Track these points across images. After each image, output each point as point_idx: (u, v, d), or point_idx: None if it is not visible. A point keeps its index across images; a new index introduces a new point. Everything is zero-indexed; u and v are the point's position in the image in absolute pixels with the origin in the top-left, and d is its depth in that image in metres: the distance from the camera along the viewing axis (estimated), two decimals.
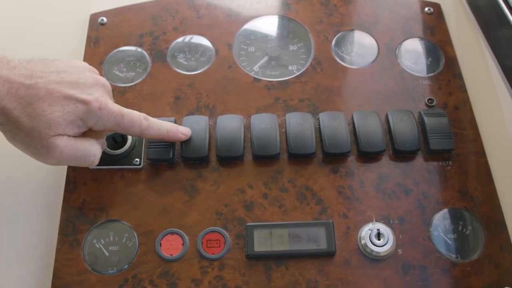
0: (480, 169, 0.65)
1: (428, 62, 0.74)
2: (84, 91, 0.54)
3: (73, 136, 0.54)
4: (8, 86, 0.49)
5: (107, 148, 0.64)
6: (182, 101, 0.69)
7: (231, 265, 0.58)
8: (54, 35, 0.76)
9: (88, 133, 0.57)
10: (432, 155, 0.65)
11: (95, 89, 0.55)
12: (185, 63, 0.73)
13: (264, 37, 0.76)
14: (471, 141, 0.67)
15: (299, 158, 0.65)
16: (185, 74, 0.72)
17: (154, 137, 0.62)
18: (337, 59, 0.74)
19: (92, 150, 0.57)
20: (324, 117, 0.66)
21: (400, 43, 0.75)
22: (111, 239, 0.60)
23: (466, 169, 0.65)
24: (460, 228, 0.61)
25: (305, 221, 0.61)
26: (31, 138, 0.51)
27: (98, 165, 0.63)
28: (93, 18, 0.77)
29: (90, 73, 0.57)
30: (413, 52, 0.75)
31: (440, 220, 0.61)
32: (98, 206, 0.62)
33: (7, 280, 0.60)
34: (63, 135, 0.53)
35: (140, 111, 0.66)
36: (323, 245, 0.59)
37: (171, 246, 0.59)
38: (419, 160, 0.65)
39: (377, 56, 0.74)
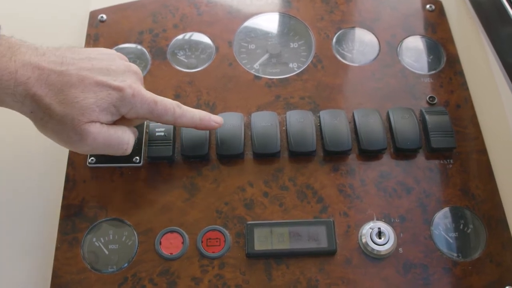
0: (482, 167, 0.65)
1: (430, 60, 0.74)
2: (116, 78, 0.53)
3: (106, 124, 0.54)
4: (38, 72, 0.49)
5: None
6: (182, 98, 0.69)
7: (231, 263, 0.58)
8: (53, 32, 0.75)
9: (120, 121, 0.56)
10: (434, 153, 0.65)
11: (128, 76, 0.55)
12: (185, 60, 0.73)
13: (265, 35, 0.76)
14: (472, 139, 0.66)
15: (299, 156, 0.64)
16: (185, 72, 0.71)
17: (187, 125, 0.61)
18: (338, 56, 0.73)
19: (125, 138, 0.56)
20: (324, 115, 0.66)
21: (402, 41, 0.75)
22: (111, 237, 0.60)
23: (467, 167, 0.64)
24: (461, 226, 0.61)
25: (305, 219, 0.60)
26: (63, 125, 0.51)
27: (97, 162, 0.63)
28: (93, 15, 0.76)
29: (120, 60, 0.57)
30: (414, 50, 0.74)
31: (441, 219, 0.61)
32: (98, 204, 0.61)
33: (6, 278, 0.60)
34: (96, 122, 0.52)
35: None
36: (323, 244, 0.58)
37: (171, 244, 0.59)
38: (420, 159, 0.65)
39: (378, 54, 0.73)
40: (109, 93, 0.52)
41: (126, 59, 0.59)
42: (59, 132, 0.52)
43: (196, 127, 0.61)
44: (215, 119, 0.62)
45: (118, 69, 0.54)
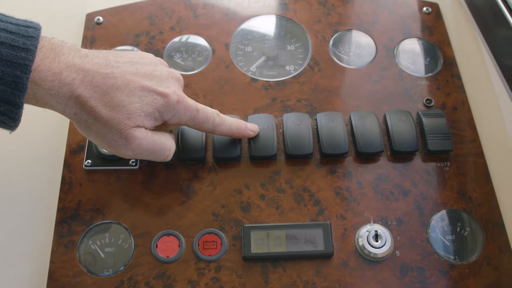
0: (479, 170, 0.65)
1: (427, 62, 0.74)
2: (161, 83, 0.54)
3: (149, 129, 0.54)
4: (83, 74, 0.49)
5: (103, 149, 0.63)
6: None
7: (228, 266, 0.58)
8: (49, 34, 0.75)
9: (160, 127, 0.56)
10: (431, 156, 0.65)
11: (171, 82, 0.55)
12: (182, 63, 0.73)
13: (262, 37, 0.76)
14: (469, 142, 0.66)
15: (296, 159, 0.64)
16: (181, 74, 0.71)
17: (224, 134, 0.61)
18: (335, 59, 0.73)
19: (167, 144, 0.56)
20: (321, 117, 0.66)
21: (398, 43, 0.75)
22: (107, 240, 0.60)
23: (464, 170, 0.64)
24: (458, 229, 0.61)
25: (302, 222, 0.60)
26: (109, 128, 0.51)
27: (93, 165, 0.63)
28: (89, 17, 0.76)
29: (162, 66, 0.57)
30: (411, 52, 0.74)
31: (438, 222, 0.61)
32: (94, 207, 0.61)
33: (2, 281, 0.59)
34: (141, 127, 0.52)
35: None
36: (320, 247, 0.58)
37: (167, 247, 0.59)
38: (417, 161, 0.65)
39: (375, 56, 0.73)
40: (154, 99, 0.52)
41: (167, 64, 0.59)
42: (103, 135, 0.52)
43: (233, 136, 0.62)
44: (251, 127, 0.63)
45: (161, 74, 0.55)
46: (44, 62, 0.46)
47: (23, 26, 0.47)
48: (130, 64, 0.53)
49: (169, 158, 0.58)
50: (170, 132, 0.61)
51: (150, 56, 0.58)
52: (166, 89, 0.53)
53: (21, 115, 0.47)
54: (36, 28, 0.48)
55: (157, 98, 0.52)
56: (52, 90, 0.47)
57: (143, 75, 0.53)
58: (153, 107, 0.52)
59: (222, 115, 0.60)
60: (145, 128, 0.53)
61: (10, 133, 0.50)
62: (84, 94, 0.49)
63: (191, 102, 0.56)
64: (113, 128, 0.51)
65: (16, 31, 0.46)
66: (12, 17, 0.48)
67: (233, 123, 0.61)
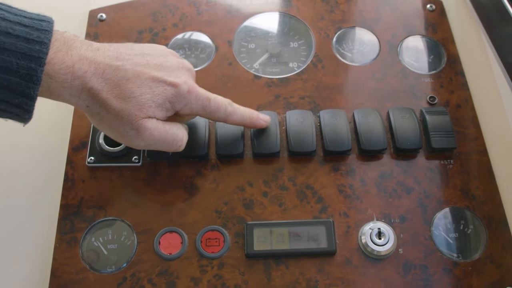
0: (482, 168, 0.64)
1: (430, 60, 0.73)
2: (171, 74, 0.54)
3: (161, 120, 0.54)
4: (94, 66, 0.49)
5: (105, 146, 0.63)
6: None
7: (230, 264, 0.58)
8: None
9: (173, 118, 0.57)
10: (434, 153, 0.65)
11: (182, 72, 0.56)
12: (185, 60, 0.73)
13: (265, 34, 0.76)
14: (473, 139, 0.66)
15: (299, 156, 0.64)
16: None
17: (237, 123, 0.61)
18: (338, 56, 0.73)
19: (179, 134, 0.57)
20: (324, 115, 0.66)
21: (402, 41, 0.75)
22: (110, 237, 0.60)
23: (468, 168, 0.64)
24: (461, 227, 0.61)
25: (305, 219, 0.60)
26: (120, 120, 0.51)
27: (96, 162, 0.63)
28: (92, 14, 0.76)
29: (173, 57, 0.57)
30: (415, 50, 0.74)
31: (442, 219, 0.61)
32: (97, 204, 0.61)
33: (4, 278, 0.59)
34: (152, 117, 0.53)
35: None
36: (323, 244, 0.58)
37: (170, 244, 0.59)
38: (420, 159, 0.65)
39: (378, 54, 0.73)
40: (165, 89, 0.53)
41: (178, 55, 0.59)
42: (115, 126, 0.52)
43: (245, 125, 0.62)
44: (263, 117, 0.63)
45: (172, 65, 0.55)
46: (57, 55, 0.47)
47: (36, 19, 0.48)
48: (141, 56, 0.54)
49: (182, 148, 0.58)
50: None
51: (161, 47, 0.58)
52: (176, 79, 0.54)
53: (34, 108, 0.48)
54: (49, 22, 0.48)
55: (168, 89, 0.53)
56: (65, 83, 0.48)
57: (154, 66, 0.53)
58: (163, 97, 0.53)
59: (234, 104, 0.60)
60: (157, 119, 0.53)
61: (24, 125, 0.50)
62: (96, 87, 0.50)
63: (202, 91, 0.56)
64: (124, 119, 0.51)
65: (30, 24, 0.46)
66: (25, 11, 0.48)
67: (245, 112, 0.61)
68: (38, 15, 0.49)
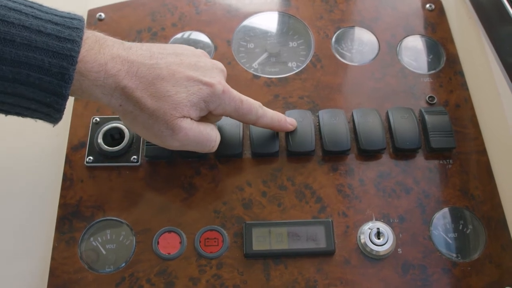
0: (481, 167, 0.64)
1: (429, 60, 0.73)
2: (205, 73, 0.54)
3: (195, 120, 0.54)
4: (128, 65, 0.49)
5: (104, 145, 0.63)
6: None
7: (229, 263, 0.58)
8: None
9: (203, 119, 0.56)
10: (433, 153, 0.65)
11: (216, 73, 0.55)
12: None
13: (264, 34, 0.76)
14: (472, 139, 0.66)
15: (298, 156, 0.64)
16: None
17: (266, 126, 0.61)
18: (337, 56, 0.73)
19: (213, 135, 0.56)
20: (324, 114, 0.66)
21: (401, 40, 0.75)
22: (108, 237, 0.59)
23: (467, 167, 0.64)
24: (460, 227, 0.61)
25: (304, 219, 0.60)
26: (155, 119, 0.51)
27: (95, 162, 0.63)
28: (91, 13, 0.76)
29: (205, 57, 0.57)
30: (414, 49, 0.74)
31: (441, 219, 0.61)
32: (95, 203, 0.61)
33: (3, 278, 0.59)
34: (187, 117, 0.52)
35: None
36: (322, 244, 0.58)
37: (168, 244, 0.59)
38: (419, 159, 0.64)
39: (377, 53, 0.73)
40: (200, 88, 0.52)
41: (209, 56, 0.59)
42: (149, 126, 0.52)
43: (273, 128, 0.62)
44: (291, 121, 0.63)
45: (206, 65, 0.55)
46: (89, 53, 0.47)
47: (67, 18, 0.47)
48: (174, 55, 0.54)
49: (214, 149, 0.58)
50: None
51: (192, 48, 0.58)
52: (211, 79, 0.53)
53: (65, 108, 0.48)
54: (80, 20, 0.48)
55: (203, 88, 0.53)
56: (97, 81, 0.48)
57: (188, 66, 0.53)
58: (199, 97, 0.52)
59: (264, 107, 0.60)
60: (191, 119, 0.53)
61: (53, 126, 0.50)
62: (130, 85, 0.49)
63: (235, 93, 0.56)
64: (159, 118, 0.51)
65: (61, 22, 0.46)
66: (56, 10, 0.48)
67: (274, 115, 0.61)
68: (69, 13, 0.48)
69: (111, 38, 0.51)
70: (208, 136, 0.55)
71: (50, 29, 0.45)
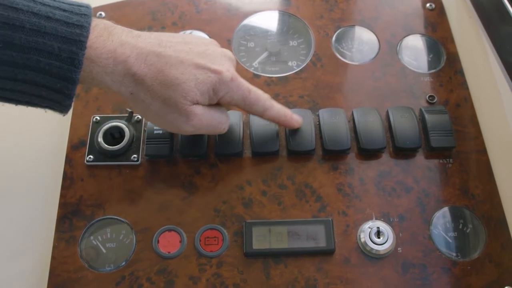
0: (481, 167, 0.64)
1: (429, 59, 0.73)
2: (214, 61, 0.54)
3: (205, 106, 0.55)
4: (137, 52, 0.50)
5: (104, 144, 0.63)
6: None
7: (229, 262, 0.58)
8: None
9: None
10: (433, 152, 0.65)
11: (224, 60, 0.55)
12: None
13: (264, 33, 0.76)
14: (472, 138, 0.66)
15: (298, 155, 0.64)
16: None
17: (272, 119, 0.61)
18: (338, 55, 0.73)
19: (223, 118, 0.58)
20: (324, 113, 0.66)
21: (401, 39, 0.75)
22: (108, 236, 0.59)
23: (467, 167, 0.64)
24: (460, 226, 0.61)
25: (304, 218, 0.60)
26: (167, 107, 0.52)
27: (95, 161, 0.63)
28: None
29: (214, 45, 0.57)
30: (414, 49, 0.74)
31: (441, 218, 0.61)
32: (95, 202, 0.61)
33: (3, 277, 0.59)
34: (198, 104, 0.53)
35: None
36: (322, 243, 0.58)
37: (168, 243, 0.59)
38: (419, 158, 0.64)
39: (377, 53, 0.73)
40: (208, 76, 0.53)
41: (219, 44, 0.59)
42: (163, 114, 0.53)
43: (279, 123, 0.62)
44: (297, 118, 0.63)
45: (214, 53, 0.55)
46: (98, 40, 0.48)
47: (75, 5, 0.48)
48: (183, 43, 0.54)
49: (225, 130, 0.59)
50: None
51: (201, 37, 0.58)
52: (220, 67, 0.54)
53: (74, 94, 0.48)
54: (88, 7, 0.49)
55: (211, 76, 0.53)
56: (107, 67, 0.48)
57: (196, 54, 0.53)
58: (207, 84, 0.53)
59: (272, 100, 0.60)
60: (202, 105, 0.54)
61: (63, 115, 0.51)
62: (139, 72, 0.50)
63: (244, 82, 0.56)
64: (172, 107, 0.52)
65: (69, 9, 0.47)
66: None
67: (281, 110, 0.61)
68: (76, 1, 0.49)
69: (119, 26, 0.51)
70: (219, 119, 0.57)
71: (59, 15, 0.45)
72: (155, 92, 0.51)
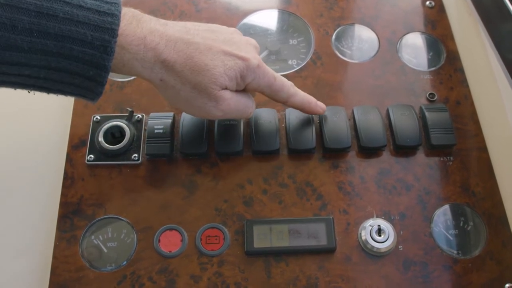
0: (482, 164, 0.64)
1: (430, 57, 0.73)
2: (240, 48, 0.55)
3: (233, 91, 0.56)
4: (166, 39, 0.51)
5: (105, 144, 0.63)
6: None
7: (230, 261, 0.58)
8: None
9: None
10: (434, 150, 0.65)
11: (250, 48, 0.57)
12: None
13: (264, 31, 0.75)
14: (472, 136, 0.66)
15: (299, 153, 0.64)
16: None
17: (296, 106, 0.62)
18: (338, 53, 0.73)
19: (249, 102, 0.59)
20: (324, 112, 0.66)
21: (401, 37, 0.75)
22: (109, 235, 0.60)
23: (467, 164, 0.64)
24: (461, 224, 0.61)
25: (305, 217, 0.60)
26: (197, 92, 0.53)
27: (95, 160, 0.63)
28: None
29: (238, 34, 0.58)
30: (414, 47, 0.74)
31: (441, 216, 0.61)
32: (96, 202, 0.61)
33: (4, 276, 0.59)
34: (226, 89, 0.54)
35: (138, 106, 0.66)
36: (323, 241, 0.58)
37: (170, 242, 0.59)
38: (420, 156, 0.65)
39: (378, 51, 0.73)
40: (236, 62, 0.54)
41: (242, 34, 0.60)
42: (193, 99, 0.54)
43: (303, 110, 0.63)
44: (321, 105, 0.64)
45: (240, 41, 0.56)
46: (128, 28, 0.48)
47: None
48: (209, 31, 0.55)
49: (251, 115, 0.60)
50: None
51: (225, 26, 0.59)
52: (246, 54, 0.55)
53: (106, 82, 0.49)
54: None
55: (239, 62, 0.54)
56: (138, 54, 0.49)
57: (223, 41, 0.54)
58: (235, 70, 0.53)
59: (296, 87, 0.61)
60: (230, 90, 0.55)
61: (94, 103, 0.51)
62: (169, 59, 0.51)
63: (269, 69, 0.57)
64: (201, 92, 0.53)
65: None
66: None
67: (305, 97, 0.62)
68: None
69: (146, 14, 0.52)
70: (246, 104, 0.58)
71: (90, 4, 0.46)
72: (185, 77, 0.52)
